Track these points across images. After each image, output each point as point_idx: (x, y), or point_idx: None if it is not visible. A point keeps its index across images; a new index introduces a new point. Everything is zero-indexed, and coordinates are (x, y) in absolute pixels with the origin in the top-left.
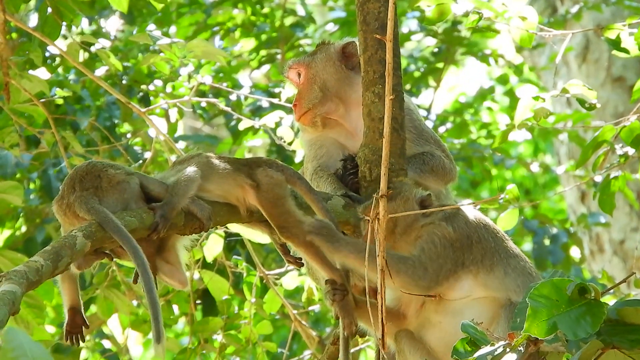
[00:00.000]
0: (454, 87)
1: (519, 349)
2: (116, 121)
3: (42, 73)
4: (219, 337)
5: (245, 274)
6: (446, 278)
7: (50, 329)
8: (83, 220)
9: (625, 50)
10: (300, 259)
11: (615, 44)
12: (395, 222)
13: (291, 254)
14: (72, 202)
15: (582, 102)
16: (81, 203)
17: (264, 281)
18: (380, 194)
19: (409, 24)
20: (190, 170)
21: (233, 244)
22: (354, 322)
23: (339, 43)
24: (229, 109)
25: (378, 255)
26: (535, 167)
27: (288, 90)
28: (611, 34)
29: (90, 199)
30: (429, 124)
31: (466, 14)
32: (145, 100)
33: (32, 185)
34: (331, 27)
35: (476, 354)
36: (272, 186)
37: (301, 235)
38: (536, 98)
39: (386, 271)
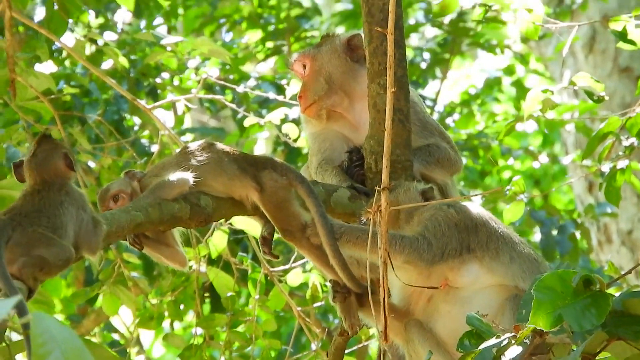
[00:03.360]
0: (462, 79)
1: (525, 341)
2: (124, 114)
3: (49, 66)
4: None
5: (250, 271)
6: (451, 257)
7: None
8: None
9: (632, 42)
10: (277, 255)
11: (622, 35)
12: (398, 210)
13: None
14: None
15: (590, 94)
16: None
17: (269, 278)
18: (382, 187)
19: (417, 15)
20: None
21: (240, 238)
22: (357, 323)
23: (345, 35)
24: (234, 106)
25: (380, 248)
26: (544, 158)
27: (293, 87)
28: (617, 26)
29: None
30: (436, 115)
31: (473, 6)
32: (153, 93)
33: None
34: (338, 19)
35: (481, 346)
36: (276, 189)
37: (304, 240)
38: (545, 91)
39: (388, 262)
